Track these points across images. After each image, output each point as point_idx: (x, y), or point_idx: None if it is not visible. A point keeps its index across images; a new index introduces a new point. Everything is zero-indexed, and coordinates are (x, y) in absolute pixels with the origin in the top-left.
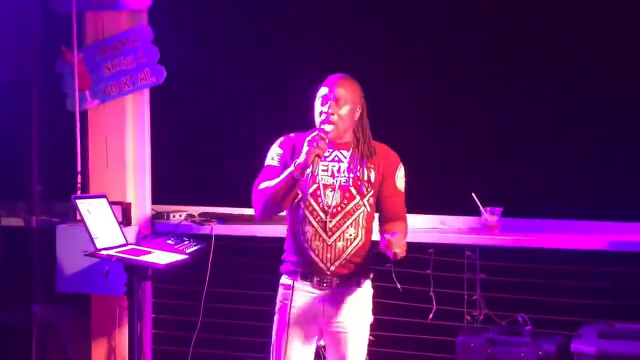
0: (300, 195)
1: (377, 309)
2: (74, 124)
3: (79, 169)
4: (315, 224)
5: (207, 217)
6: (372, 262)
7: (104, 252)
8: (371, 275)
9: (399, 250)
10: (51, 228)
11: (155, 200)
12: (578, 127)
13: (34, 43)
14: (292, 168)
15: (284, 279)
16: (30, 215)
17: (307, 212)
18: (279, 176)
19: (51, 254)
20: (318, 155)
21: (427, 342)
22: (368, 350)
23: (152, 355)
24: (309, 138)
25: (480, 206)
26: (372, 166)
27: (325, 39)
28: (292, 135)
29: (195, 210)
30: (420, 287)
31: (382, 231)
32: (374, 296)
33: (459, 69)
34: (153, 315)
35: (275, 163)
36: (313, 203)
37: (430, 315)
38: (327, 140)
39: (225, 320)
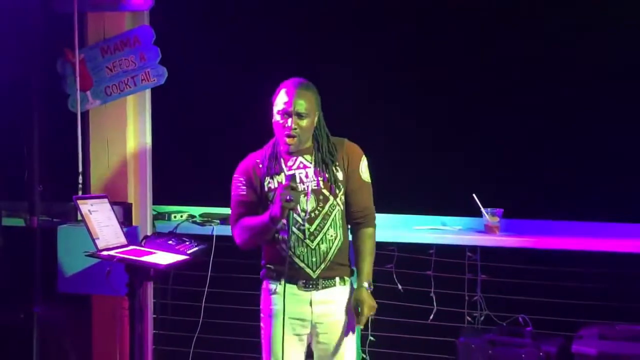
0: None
1: (377, 309)
2: (75, 124)
3: (80, 169)
4: (296, 231)
5: (208, 218)
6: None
7: (105, 253)
8: (351, 272)
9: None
10: (52, 228)
11: (157, 200)
12: (579, 129)
13: (35, 43)
14: (266, 220)
15: (268, 285)
16: (31, 216)
17: (286, 222)
18: (250, 206)
19: (52, 255)
20: (292, 209)
21: (427, 342)
22: (369, 350)
23: (153, 355)
24: (281, 192)
25: (481, 207)
26: (338, 164)
27: (329, 37)
28: (248, 159)
29: (196, 210)
30: (421, 287)
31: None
32: (375, 296)
33: (461, 70)
34: (154, 316)
35: (243, 193)
36: (291, 212)
37: (431, 316)
38: (298, 189)
39: (226, 320)
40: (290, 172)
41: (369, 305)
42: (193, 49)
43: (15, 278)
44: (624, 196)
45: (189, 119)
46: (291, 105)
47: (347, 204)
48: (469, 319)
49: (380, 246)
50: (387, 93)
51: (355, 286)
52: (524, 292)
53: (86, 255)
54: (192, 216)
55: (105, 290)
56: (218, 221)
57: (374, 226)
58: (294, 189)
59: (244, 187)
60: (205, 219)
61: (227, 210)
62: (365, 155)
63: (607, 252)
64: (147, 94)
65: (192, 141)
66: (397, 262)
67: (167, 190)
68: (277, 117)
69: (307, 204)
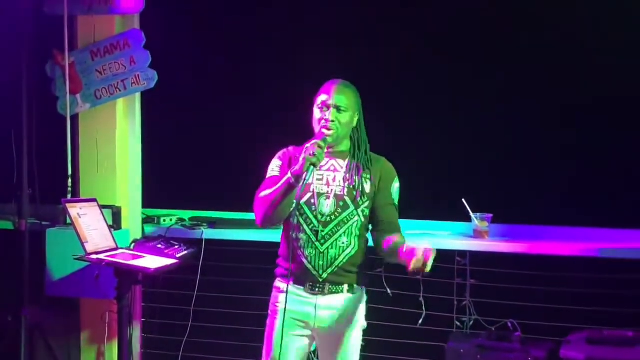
0: (295, 203)
1: (367, 313)
2: (65, 127)
3: (69, 172)
4: (308, 231)
5: (197, 222)
6: (367, 269)
7: (94, 256)
8: (365, 282)
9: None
10: (41, 231)
11: (146, 204)
12: (568, 133)
13: (25, 46)
14: (288, 175)
15: (278, 282)
16: (20, 219)
17: (301, 220)
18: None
19: (41, 258)
20: (313, 164)
21: (416, 347)
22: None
23: (142, 359)
24: (307, 145)
25: (471, 212)
26: (368, 177)
27: (322, 44)
28: (290, 148)
29: (186, 214)
30: (410, 292)
31: (387, 244)
32: (369, 301)
33: (454, 78)
34: (143, 320)
35: (276, 173)
36: (307, 211)
37: (420, 321)
38: (324, 149)
39: (215, 324)
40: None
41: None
42: (183, 52)
43: (4, 281)
44: (614, 202)
45: (179, 123)
46: (331, 98)
47: (373, 220)
48: (458, 323)
49: (370, 250)
50: (378, 99)
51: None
52: (512, 297)
53: (75, 259)
54: (182, 220)
55: (94, 293)
56: (207, 225)
57: (403, 237)
58: (321, 147)
59: (278, 169)
60: (195, 222)
61: (216, 214)
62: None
63: (596, 258)
64: (137, 97)
65: (181, 145)
66: (386, 266)
67: (156, 193)
68: (316, 112)
69: (326, 206)
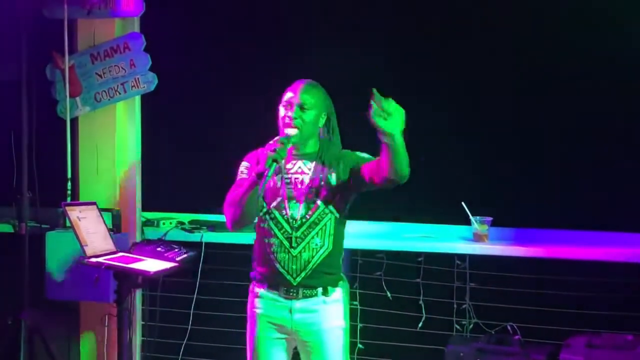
0: (265, 208)
1: (366, 317)
2: (64, 130)
3: (69, 175)
4: (280, 235)
5: (197, 225)
6: (342, 269)
7: (94, 260)
8: (341, 282)
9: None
10: (41, 235)
11: (146, 207)
12: (569, 137)
13: (24, 48)
14: (253, 177)
15: (253, 287)
16: (20, 222)
17: (272, 224)
18: None
19: (41, 261)
20: (275, 160)
21: (416, 350)
22: (357, 358)
23: None
24: (270, 142)
25: (470, 215)
26: (334, 169)
27: (320, 44)
28: (253, 151)
29: (186, 217)
30: (409, 295)
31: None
32: (364, 304)
33: (452, 79)
34: (142, 323)
35: (244, 176)
36: (277, 215)
37: (420, 324)
38: (287, 145)
39: (215, 328)
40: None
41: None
42: (183, 55)
43: (3, 284)
44: (613, 205)
45: (178, 125)
46: (295, 96)
47: (364, 175)
48: (458, 327)
49: (369, 254)
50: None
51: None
52: (512, 300)
53: (75, 262)
54: (181, 223)
55: (93, 297)
56: (207, 228)
57: None
58: (283, 143)
59: (247, 170)
60: (195, 225)
61: (216, 217)
62: None
63: (595, 261)
64: (137, 100)
65: (181, 148)
66: (386, 269)
67: (156, 196)
68: (280, 110)
69: (296, 210)
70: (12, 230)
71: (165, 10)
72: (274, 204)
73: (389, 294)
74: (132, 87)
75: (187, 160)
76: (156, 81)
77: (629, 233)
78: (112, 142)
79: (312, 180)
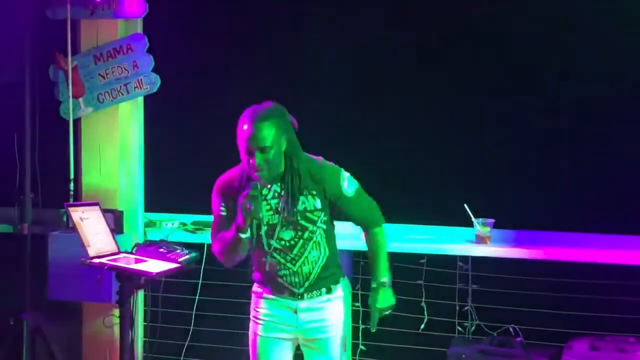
0: (256, 234)
1: (368, 318)
2: (67, 131)
3: (71, 176)
4: (277, 257)
5: (199, 226)
6: (340, 266)
7: (96, 260)
8: (342, 278)
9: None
10: (43, 235)
11: (148, 208)
12: (571, 138)
13: (27, 49)
14: (234, 231)
15: (256, 287)
16: (22, 222)
17: (266, 249)
18: (229, 222)
19: (43, 262)
20: (255, 217)
21: (418, 352)
22: None
23: None
24: (242, 202)
25: (473, 217)
26: (315, 192)
27: (319, 44)
28: (219, 181)
29: (188, 218)
30: (411, 297)
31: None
32: (366, 305)
33: (455, 82)
34: (145, 324)
35: (223, 212)
36: (270, 241)
37: (422, 326)
38: (259, 195)
39: (217, 329)
40: (253, 191)
41: (379, 310)
42: (186, 56)
43: (6, 285)
44: (616, 207)
45: (181, 127)
46: (251, 142)
47: (348, 219)
48: (460, 328)
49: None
50: (379, 103)
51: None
52: (514, 302)
53: (77, 263)
54: (184, 224)
55: (95, 297)
56: (209, 229)
57: (380, 225)
58: (254, 196)
59: (222, 206)
60: (197, 226)
61: None
62: (345, 168)
63: (598, 263)
64: (140, 101)
65: (184, 149)
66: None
67: (158, 197)
68: (243, 156)
69: (285, 232)
70: (14, 231)
71: (168, 12)
72: (262, 230)
73: None
74: (135, 88)
75: (190, 161)
76: (159, 82)
77: (632, 235)
78: (114, 143)
79: (289, 202)
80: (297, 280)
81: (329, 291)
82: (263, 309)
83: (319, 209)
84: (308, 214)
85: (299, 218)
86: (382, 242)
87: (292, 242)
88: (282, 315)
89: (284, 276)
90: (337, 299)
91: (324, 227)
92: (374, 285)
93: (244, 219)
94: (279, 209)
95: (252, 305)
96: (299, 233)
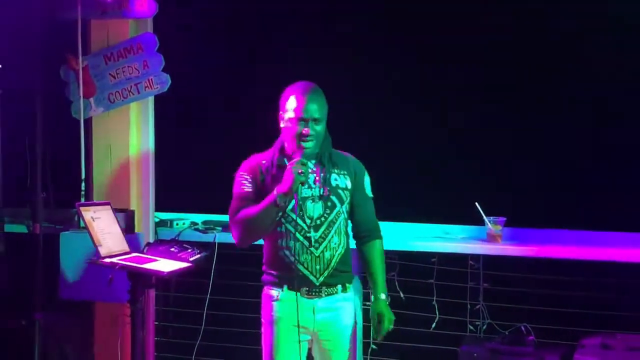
0: (280, 212)
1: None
2: (78, 131)
3: (83, 176)
4: (300, 237)
5: (210, 225)
6: (351, 266)
7: (108, 260)
8: (355, 277)
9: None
10: (55, 235)
11: (159, 207)
12: (583, 138)
13: (38, 50)
14: (275, 194)
15: (269, 291)
16: (34, 222)
17: (290, 227)
18: (252, 202)
19: (55, 261)
20: (302, 182)
21: (430, 351)
22: (370, 359)
23: None
24: (291, 163)
25: (484, 215)
26: (345, 173)
27: (331, 44)
28: (248, 161)
29: (199, 218)
30: (423, 296)
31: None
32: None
33: (462, 79)
34: (156, 323)
35: (247, 188)
36: (296, 217)
37: (433, 325)
38: (309, 167)
39: (228, 328)
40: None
41: (389, 319)
42: (196, 56)
43: (18, 284)
44: (628, 205)
45: (192, 126)
46: (306, 111)
47: (352, 218)
48: (471, 327)
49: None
50: (389, 102)
51: (357, 288)
52: (526, 301)
53: (88, 263)
54: (195, 223)
55: (107, 297)
56: (220, 228)
57: (381, 238)
58: (304, 164)
59: (248, 184)
60: (208, 226)
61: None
62: (367, 168)
63: (610, 261)
64: (150, 101)
65: (194, 148)
66: (399, 270)
67: (169, 197)
68: (288, 124)
69: (314, 210)
70: (26, 231)
71: (178, 11)
72: (290, 206)
73: (402, 295)
74: (145, 87)
75: (201, 161)
76: (169, 82)
77: None
78: (125, 143)
79: (323, 178)
80: (318, 267)
81: (344, 289)
82: (279, 312)
83: (348, 189)
84: (340, 191)
85: (330, 193)
86: (383, 257)
87: (319, 222)
88: (301, 317)
89: (305, 262)
90: (349, 299)
91: (346, 215)
92: (382, 296)
93: (292, 183)
94: (314, 182)
95: (266, 310)
96: (327, 211)
